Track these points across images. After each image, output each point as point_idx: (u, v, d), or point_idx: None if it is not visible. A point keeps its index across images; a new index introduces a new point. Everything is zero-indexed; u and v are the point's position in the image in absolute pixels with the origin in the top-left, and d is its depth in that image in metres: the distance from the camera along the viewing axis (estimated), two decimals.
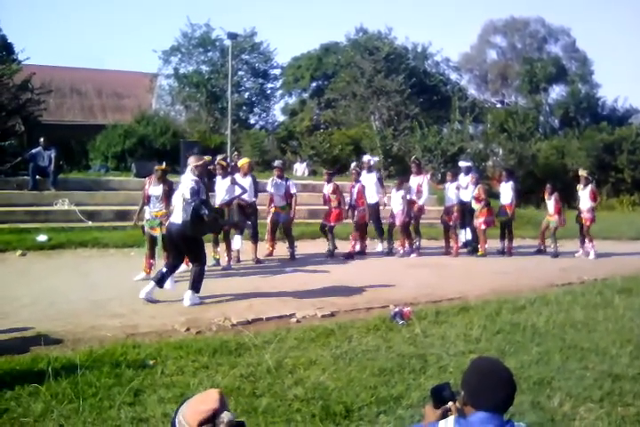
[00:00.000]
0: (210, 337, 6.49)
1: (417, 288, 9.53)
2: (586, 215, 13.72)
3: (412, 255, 12.96)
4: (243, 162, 11.83)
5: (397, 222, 12.82)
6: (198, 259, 8.28)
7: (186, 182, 8.06)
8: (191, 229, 7.88)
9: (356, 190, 12.70)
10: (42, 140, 15.62)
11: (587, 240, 13.77)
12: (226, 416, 2.01)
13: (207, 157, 9.19)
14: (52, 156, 15.37)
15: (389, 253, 13.10)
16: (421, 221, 13.59)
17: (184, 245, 8.17)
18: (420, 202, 13.18)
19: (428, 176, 16.17)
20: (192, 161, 8.26)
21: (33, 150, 15.52)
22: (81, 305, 7.77)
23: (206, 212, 7.90)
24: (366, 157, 14.15)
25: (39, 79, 21.66)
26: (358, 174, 13.06)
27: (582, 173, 14.29)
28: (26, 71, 20.43)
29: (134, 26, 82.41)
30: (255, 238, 11.48)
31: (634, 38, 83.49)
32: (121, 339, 6.34)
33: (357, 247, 12.78)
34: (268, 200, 12.13)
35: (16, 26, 60.41)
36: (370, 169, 13.45)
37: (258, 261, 11.43)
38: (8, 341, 6.17)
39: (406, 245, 13.03)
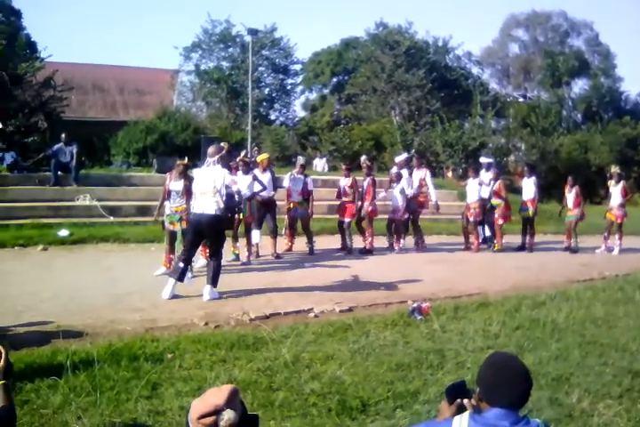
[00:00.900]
0: (228, 331, 6.51)
1: (436, 284, 9.50)
2: (617, 212, 13.62)
3: (412, 251, 12.89)
4: (262, 157, 11.87)
5: (397, 217, 12.74)
6: (218, 252, 8.30)
7: (217, 174, 7.99)
8: (226, 221, 7.93)
9: (365, 184, 12.51)
10: (63, 136, 15.76)
11: (617, 236, 13.66)
12: (227, 414, 2.00)
13: (224, 144, 9.08)
14: (74, 152, 15.50)
15: (389, 248, 12.98)
16: (441, 216, 13.50)
17: (213, 237, 8.17)
18: (433, 199, 13.15)
19: (450, 174, 16.06)
20: (214, 151, 8.12)
21: (55, 146, 15.67)
22: (101, 299, 7.83)
23: (242, 205, 7.94)
24: (401, 157, 13.96)
25: (61, 76, 21.83)
26: (369, 168, 12.95)
27: (615, 169, 14.17)
28: (49, 68, 20.63)
29: (155, 22, 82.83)
30: (274, 234, 11.49)
31: None
32: (140, 333, 6.38)
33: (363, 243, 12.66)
34: (285, 195, 12.15)
35: (39, 23, 61.03)
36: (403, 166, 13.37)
37: (277, 256, 11.45)
38: (29, 334, 6.24)
39: (402, 241, 12.94)
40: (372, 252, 12.38)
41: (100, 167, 20.36)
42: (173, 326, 6.79)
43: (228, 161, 8.49)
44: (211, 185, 7.94)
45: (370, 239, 12.47)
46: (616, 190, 13.77)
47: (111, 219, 14.00)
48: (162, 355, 5.55)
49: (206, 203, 7.96)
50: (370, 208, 12.34)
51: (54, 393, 4.62)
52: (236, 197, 8.20)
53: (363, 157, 13.42)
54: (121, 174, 17.79)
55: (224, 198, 7.94)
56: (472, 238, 13.26)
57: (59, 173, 15.35)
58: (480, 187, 13.17)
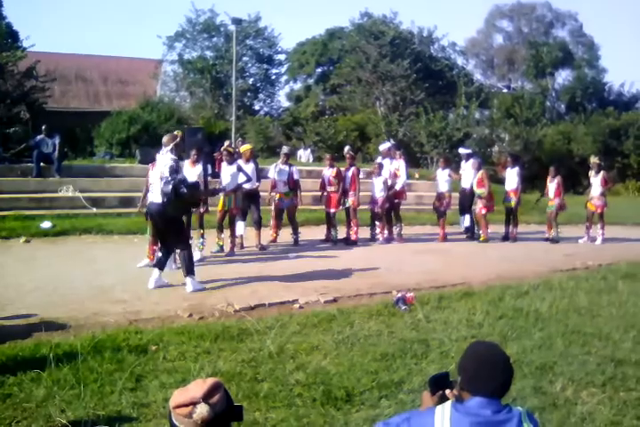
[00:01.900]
0: (212, 323, 6.49)
1: (420, 274, 9.51)
2: (597, 202, 13.67)
3: (394, 242, 12.88)
4: (244, 148, 11.81)
5: (377, 208, 12.69)
6: (181, 241, 8.18)
7: (164, 161, 7.91)
8: (172, 209, 7.76)
9: (350, 174, 12.46)
10: (44, 127, 15.63)
11: (599, 226, 13.73)
12: (200, 408, 2.00)
13: (177, 132, 8.89)
14: (57, 143, 15.38)
15: (372, 239, 12.97)
16: (425, 207, 13.50)
17: (164, 227, 8.07)
18: (397, 187, 12.95)
19: (417, 175, 16.05)
20: (168, 140, 8.05)
21: (37, 137, 15.54)
22: (84, 291, 7.79)
23: (185, 190, 7.71)
24: (384, 146, 13.95)
25: (44, 66, 21.67)
26: (352, 158, 12.93)
27: (594, 159, 14.20)
28: (31, 58, 20.43)
29: (139, 11, 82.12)
30: (259, 225, 11.46)
31: None
32: (124, 325, 6.35)
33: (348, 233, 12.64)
34: (270, 186, 12.11)
35: (21, 13, 60.34)
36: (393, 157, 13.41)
37: (262, 247, 11.42)
38: (12, 327, 6.18)
39: (385, 231, 12.93)
40: (356, 242, 12.39)
41: (82, 158, 20.22)
42: (157, 317, 6.75)
43: (182, 149, 8.41)
44: (158, 174, 7.89)
45: (355, 230, 12.47)
46: (596, 181, 13.83)
47: (94, 210, 13.90)
48: (146, 347, 5.52)
49: (155, 191, 7.92)
50: (352, 198, 12.33)
51: (37, 386, 4.59)
52: (185, 191, 7.94)
53: (346, 148, 13.38)
54: (104, 165, 17.67)
55: (171, 185, 7.77)
56: (440, 228, 13.35)
57: (41, 164, 15.23)
58: (450, 178, 13.25)
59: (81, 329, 6.19)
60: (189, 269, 8.10)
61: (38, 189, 14.60)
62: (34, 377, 4.73)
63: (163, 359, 5.27)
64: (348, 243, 12.34)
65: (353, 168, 12.48)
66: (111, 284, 8.22)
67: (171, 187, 7.65)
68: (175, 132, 8.57)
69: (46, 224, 12.18)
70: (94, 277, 8.55)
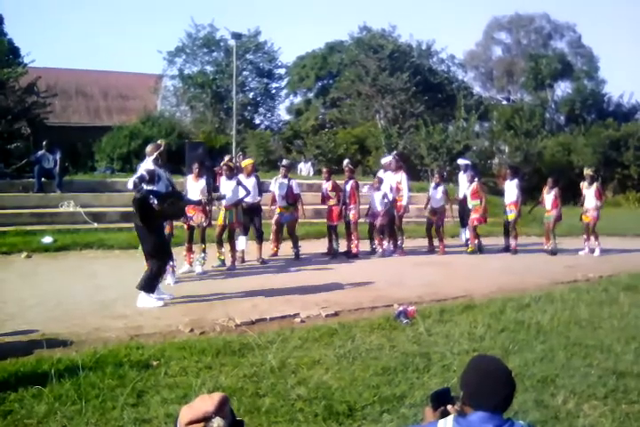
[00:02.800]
0: (213, 338, 6.49)
1: (421, 287, 9.50)
2: (592, 214, 13.64)
3: (395, 255, 12.87)
4: (246, 163, 11.84)
5: (378, 222, 12.63)
6: (154, 254, 8.03)
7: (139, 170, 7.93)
8: (141, 219, 7.74)
9: (348, 187, 12.46)
10: (45, 143, 15.70)
11: (592, 238, 13.69)
12: (216, 422, 2.01)
13: (161, 141, 8.84)
14: (57, 158, 15.44)
15: (372, 252, 12.94)
16: (424, 220, 13.51)
17: (138, 234, 8.08)
18: (404, 202, 12.96)
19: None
20: (151, 150, 8.08)
21: (38, 153, 15.61)
22: (86, 306, 7.79)
23: (155, 201, 7.57)
24: (386, 159, 13.93)
25: (45, 82, 21.79)
26: (351, 171, 12.93)
27: (587, 171, 14.20)
28: (32, 74, 20.55)
29: (139, 27, 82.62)
30: (260, 239, 11.48)
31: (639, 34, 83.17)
32: (125, 340, 6.34)
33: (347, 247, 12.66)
34: (270, 200, 12.14)
35: (22, 29, 60.76)
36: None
37: (262, 261, 11.43)
38: (13, 343, 6.18)
39: (384, 244, 12.90)
40: (357, 255, 12.38)
41: (83, 173, 20.27)
42: (158, 332, 6.74)
43: (165, 158, 8.34)
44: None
45: (355, 243, 12.47)
46: (589, 192, 13.75)
47: (95, 225, 13.93)
48: (147, 362, 5.51)
49: None
50: (353, 212, 12.33)
51: (39, 403, 4.58)
52: (154, 203, 7.86)
53: (345, 161, 13.38)
54: (105, 180, 17.71)
55: (138, 195, 7.73)
56: (440, 241, 13.34)
57: (42, 179, 15.28)
58: (444, 195, 13.28)
59: (82, 345, 6.18)
60: (141, 284, 7.95)
61: (39, 205, 14.65)
62: (35, 393, 4.72)
63: (164, 375, 5.25)
64: (349, 256, 12.34)
65: (352, 181, 12.48)
66: (112, 299, 8.22)
67: (138, 197, 7.63)
68: (159, 142, 8.55)
69: (47, 239, 12.20)
70: (95, 293, 8.56)
